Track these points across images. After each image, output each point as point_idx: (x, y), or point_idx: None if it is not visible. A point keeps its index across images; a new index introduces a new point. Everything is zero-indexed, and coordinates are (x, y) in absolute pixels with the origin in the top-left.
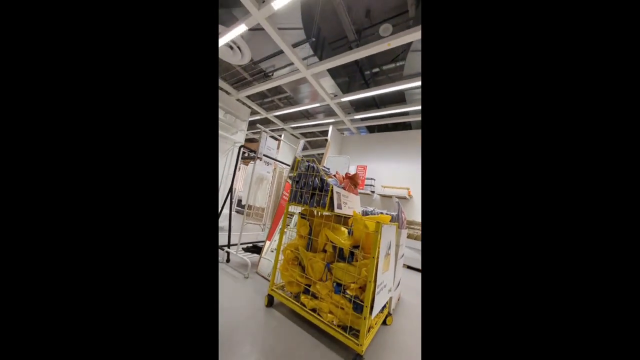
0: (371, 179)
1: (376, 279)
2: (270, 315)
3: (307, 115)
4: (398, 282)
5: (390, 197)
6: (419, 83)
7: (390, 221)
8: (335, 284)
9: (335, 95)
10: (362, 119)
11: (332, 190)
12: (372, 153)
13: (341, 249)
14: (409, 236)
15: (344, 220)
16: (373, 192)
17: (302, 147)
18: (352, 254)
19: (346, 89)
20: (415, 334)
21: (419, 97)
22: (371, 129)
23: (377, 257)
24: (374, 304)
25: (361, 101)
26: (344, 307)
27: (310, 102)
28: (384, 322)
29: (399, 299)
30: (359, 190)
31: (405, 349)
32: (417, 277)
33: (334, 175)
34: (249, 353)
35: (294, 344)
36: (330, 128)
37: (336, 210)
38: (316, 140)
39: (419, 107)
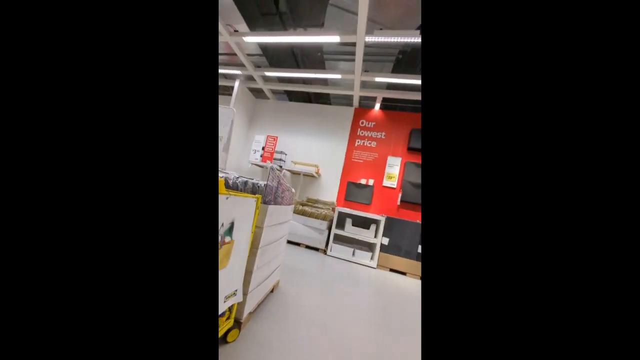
0: (281, 152)
1: None
2: None
3: None
4: (271, 272)
5: (299, 173)
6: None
7: (246, 191)
8: None
9: (236, 31)
10: (279, 80)
11: None
12: (287, 124)
13: None
14: (314, 215)
15: None
16: (281, 167)
17: None
18: None
19: (256, 25)
20: (282, 345)
21: (340, 61)
22: (290, 97)
23: None
24: None
25: (279, 52)
26: None
27: None
28: (225, 339)
29: (272, 291)
30: (266, 164)
31: None
32: (317, 257)
33: None
34: None
35: None
36: (237, 83)
37: None
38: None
39: (338, 76)
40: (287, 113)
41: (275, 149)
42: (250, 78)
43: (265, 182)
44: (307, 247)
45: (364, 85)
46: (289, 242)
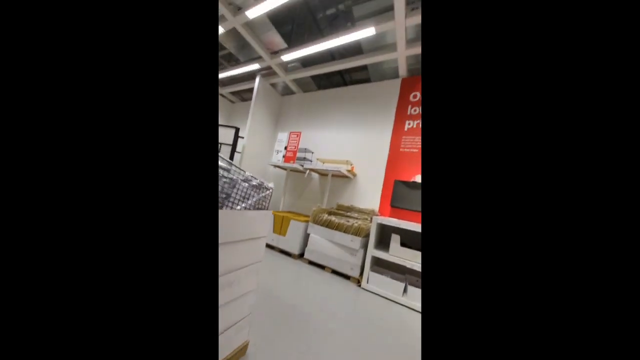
0: (305, 150)
1: None
2: None
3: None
4: None
5: (326, 174)
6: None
7: None
8: None
9: (276, 53)
10: (302, 64)
11: None
12: (315, 117)
13: None
14: (342, 228)
15: None
16: (302, 165)
17: None
18: None
19: (293, 39)
20: None
21: (372, 17)
22: (319, 84)
23: None
24: None
25: (313, 55)
26: None
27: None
28: None
29: None
30: (289, 165)
31: None
32: (345, 290)
33: None
34: None
35: None
36: (257, 79)
37: None
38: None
39: (371, 30)
40: (315, 104)
41: (299, 146)
42: (271, 73)
43: None
44: (334, 272)
45: (413, 35)
46: (311, 262)
